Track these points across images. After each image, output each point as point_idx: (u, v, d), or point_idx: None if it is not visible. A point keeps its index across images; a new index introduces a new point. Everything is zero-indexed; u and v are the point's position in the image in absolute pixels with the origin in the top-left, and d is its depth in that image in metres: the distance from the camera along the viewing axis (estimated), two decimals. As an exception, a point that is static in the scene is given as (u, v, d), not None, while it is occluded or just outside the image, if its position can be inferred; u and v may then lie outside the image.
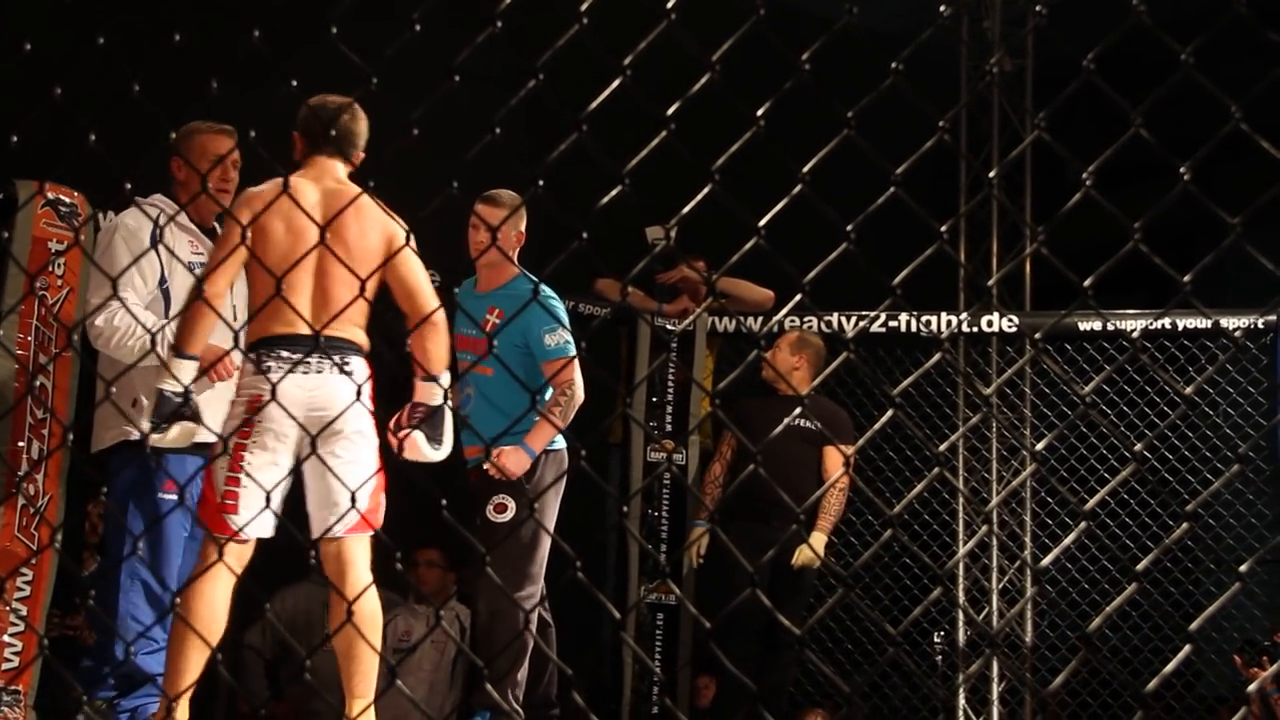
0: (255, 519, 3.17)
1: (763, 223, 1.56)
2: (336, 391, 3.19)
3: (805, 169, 1.56)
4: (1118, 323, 5.73)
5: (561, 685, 4.42)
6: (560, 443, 4.27)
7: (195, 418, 3.24)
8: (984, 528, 6.42)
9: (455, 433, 3.49)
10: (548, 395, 4.20)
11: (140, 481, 3.74)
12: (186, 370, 3.20)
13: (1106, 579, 5.69)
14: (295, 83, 3.33)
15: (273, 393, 3.13)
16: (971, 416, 6.29)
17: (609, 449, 5.89)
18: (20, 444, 4.17)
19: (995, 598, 6.47)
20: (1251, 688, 4.95)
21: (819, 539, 5.25)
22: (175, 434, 3.23)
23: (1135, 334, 5.58)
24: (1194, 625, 1.53)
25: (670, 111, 1.56)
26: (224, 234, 3.33)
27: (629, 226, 5.32)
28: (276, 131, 3.43)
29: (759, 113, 1.57)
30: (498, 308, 4.30)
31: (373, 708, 3.24)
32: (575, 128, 1.56)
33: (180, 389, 3.21)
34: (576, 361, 4.14)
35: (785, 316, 5.69)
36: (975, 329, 6.01)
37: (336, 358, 3.22)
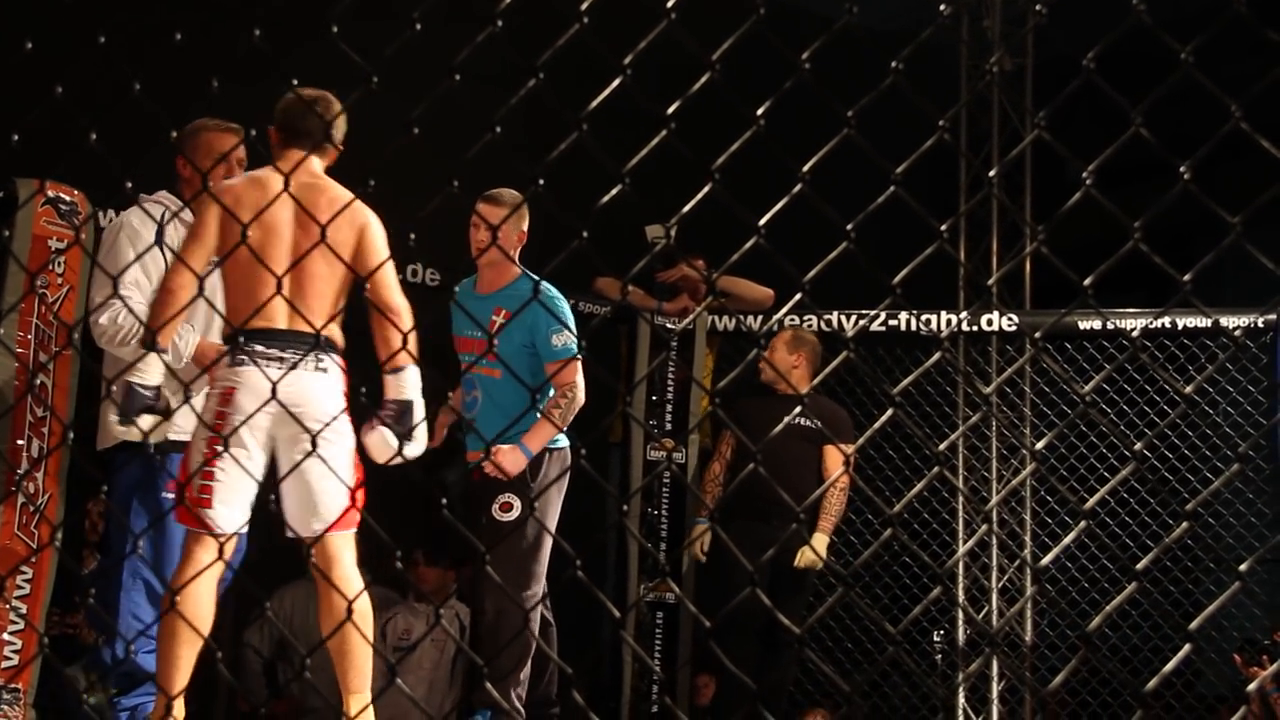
0: (230, 513, 3.18)
1: (763, 222, 1.56)
2: (311, 389, 3.18)
3: (805, 168, 1.56)
4: (1118, 322, 5.73)
5: (561, 684, 4.42)
6: (563, 441, 4.27)
7: (166, 412, 3.23)
8: (984, 527, 6.42)
9: (461, 436, 3.48)
10: (549, 395, 4.20)
11: (143, 480, 3.74)
12: (155, 363, 3.20)
13: (1106, 578, 5.69)
14: (295, 81, 3.34)
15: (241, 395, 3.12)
16: (971, 415, 6.28)
17: (609, 448, 5.89)
18: (20, 442, 4.17)
19: (995, 597, 6.47)
20: (1251, 687, 4.96)
21: (821, 540, 5.26)
22: (145, 427, 3.22)
23: (1135, 333, 5.58)
24: (1194, 624, 1.53)
25: (670, 111, 1.56)
26: (192, 227, 3.31)
27: (629, 225, 5.32)
28: (277, 130, 3.44)
29: (759, 112, 1.57)
30: (503, 308, 4.29)
31: (369, 699, 3.24)
32: (575, 127, 1.56)
33: (149, 382, 3.20)
34: (580, 363, 4.14)
35: (785, 315, 5.69)
36: (975, 328, 6.01)
37: (312, 353, 3.21)
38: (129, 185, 2.00)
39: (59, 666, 3.64)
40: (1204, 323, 5.52)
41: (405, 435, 3.29)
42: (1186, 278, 1.50)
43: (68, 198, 4.32)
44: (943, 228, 1.56)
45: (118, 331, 3.69)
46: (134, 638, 3.60)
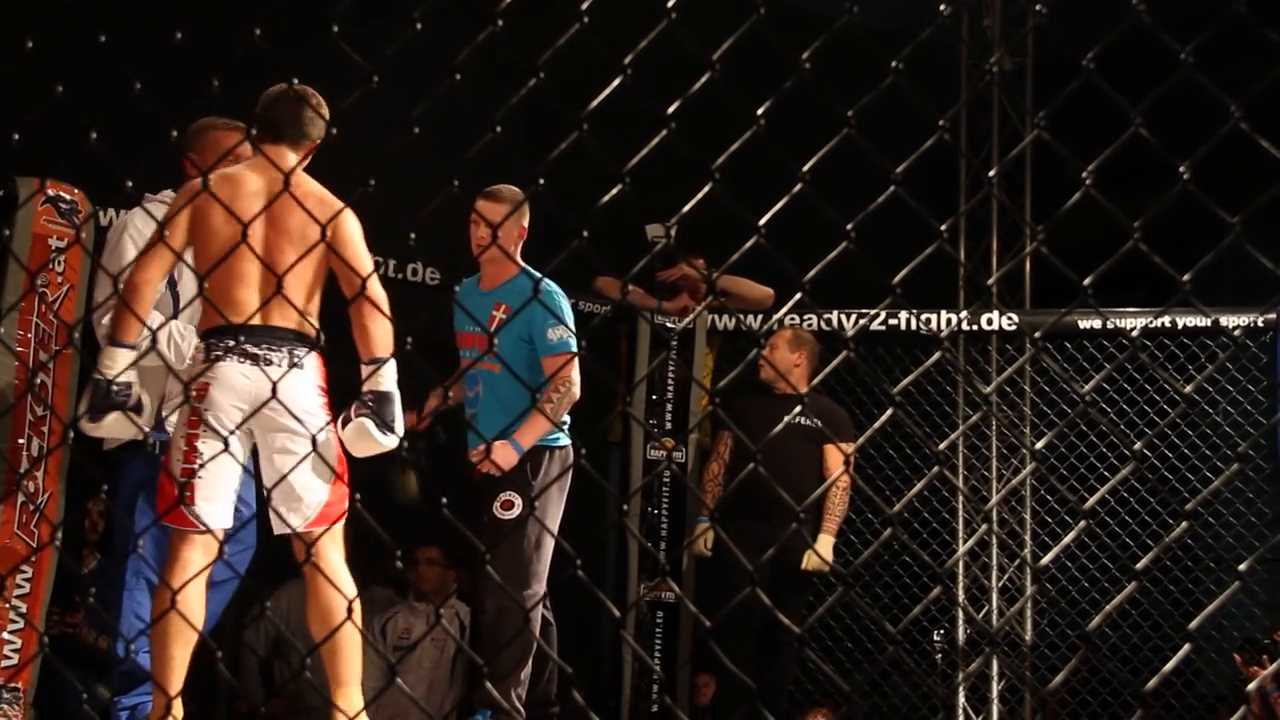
0: (214, 509, 3.18)
1: (763, 221, 1.56)
2: (287, 385, 3.16)
3: (805, 168, 1.56)
4: (1117, 321, 5.73)
5: (561, 683, 4.42)
6: (565, 440, 4.27)
7: (135, 407, 3.22)
8: (984, 526, 6.42)
9: (462, 432, 3.47)
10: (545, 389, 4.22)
11: (149, 479, 3.74)
12: (122, 358, 3.19)
13: (1106, 577, 5.70)
14: (296, 80, 3.33)
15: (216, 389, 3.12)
16: (971, 415, 6.28)
17: (609, 447, 5.89)
18: (20, 441, 4.17)
19: (995, 596, 6.47)
20: (1251, 686, 4.96)
21: (826, 541, 5.26)
22: (110, 423, 3.21)
23: (1135, 332, 5.57)
24: (1193, 624, 1.53)
25: (671, 110, 1.56)
26: (164, 224, 3.32)
27: (629, 224, 5.32)
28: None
29: (759, 112, 1.57)
30: (504, 304, 4.31)
31: (359, 692, 3.23)
32: (576, 126, 1.56)
33: (115, 378, 3.18)
34: (576, 358, 4.15)
35: (785, 314, 5.70)
36: (975, 327, 6.00)
37: (286, 348, 3.21)
38: (129, 184, 2.00)
39: (59, 666, 3.64)
40: (1204, 322, 5.52)
41: (384, 426, 3.29)
42: (1186, 277, 1.50)
43: (68, 196, 4.32)
44: (943, 227, 1.56)
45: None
46: (134, 637, 3.60)
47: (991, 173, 7.22)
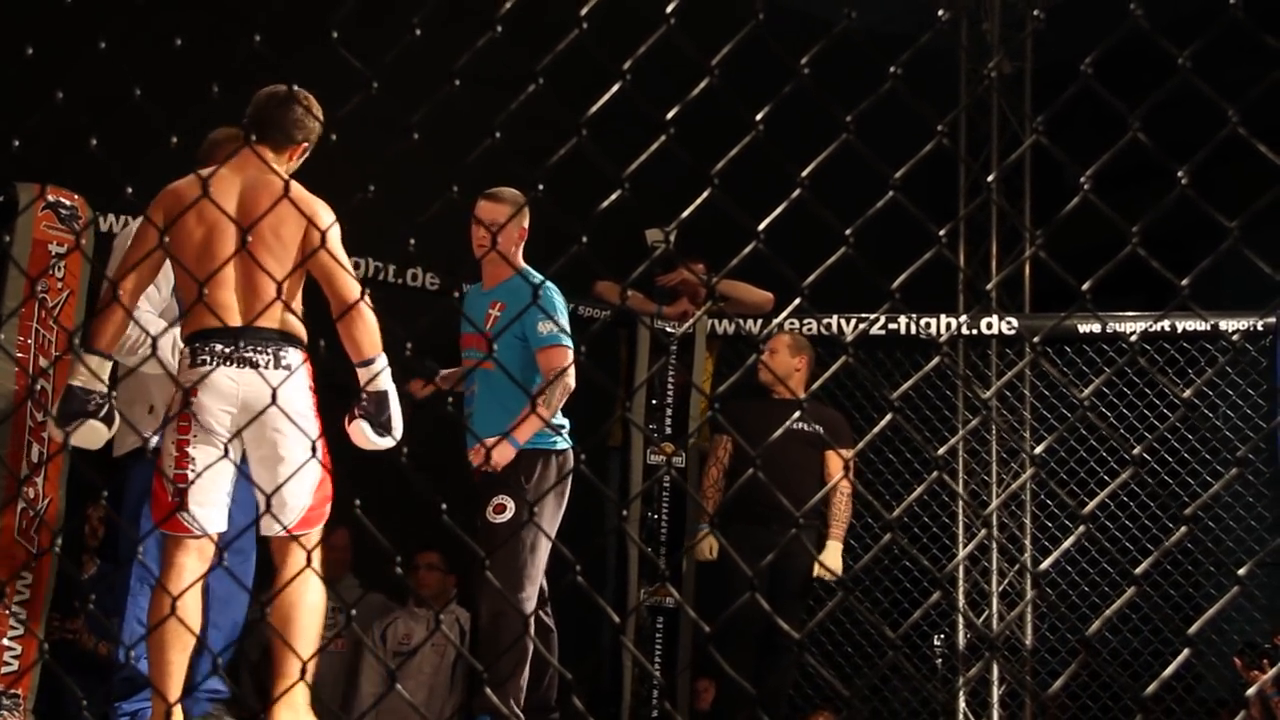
0: (207, 513, 3.17)
1: (762, 226, 1.56)
2: (273, 386, 3.16)
3: (804, 173, 1.57)
4: (1117, 325, 5.73)
5: (561, 689, 4.42)
6: (563, 444, 4.27)
7: (106, 418, 3.21)
8: (984, 531, 6.42)
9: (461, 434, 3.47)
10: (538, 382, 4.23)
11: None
12: (94, 366, 3.18)
13: (1106, 582, 5.69)
14: (296, 86, 3.34)
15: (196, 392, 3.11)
16: (971, 419, 6.28)
17: (608, 452, 5.89)
18: (20, 447, 4.17)
19: (995, 601, 6.47)
20: (1251, 690, 4.95)
21: (835, 548, 5.26)
22: (84, 433, 3.20)
23: (1134, 337, 5.58)
24: (1193, 628, 1.53)
25: (670, 116, 1.57)
26: (138, 232, 3.32)
27: (629, 229, 5.32)
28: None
29: (758, 117, 1.57)
30: (499, 301, 4.34)
31: (303, 687, 3.19)
32: (575, 132, 1.57)
33: (87, 386, 3.18)
34: (570, 350, 4.16)
35: (785, 319, 5.70)
36: (974, 332, 6.01)
37: (272, 349, 3.20)
38: (129, 190, 2.00)
39: (59, 672, 3.64)
40: (1203, 326, 5.52)
41: (380, 427, 3.30)
42: (1185, 281, 1.50)
43: (68, 202, 4.32)
44: (941, 232, 1.56)
45: (125, 340, 3.69)
46: (134, 643, 3.60)
47: (990, 177, 7.22)
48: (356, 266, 4.79)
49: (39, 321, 4.24)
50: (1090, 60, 1.56)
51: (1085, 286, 1.53)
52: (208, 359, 3.17)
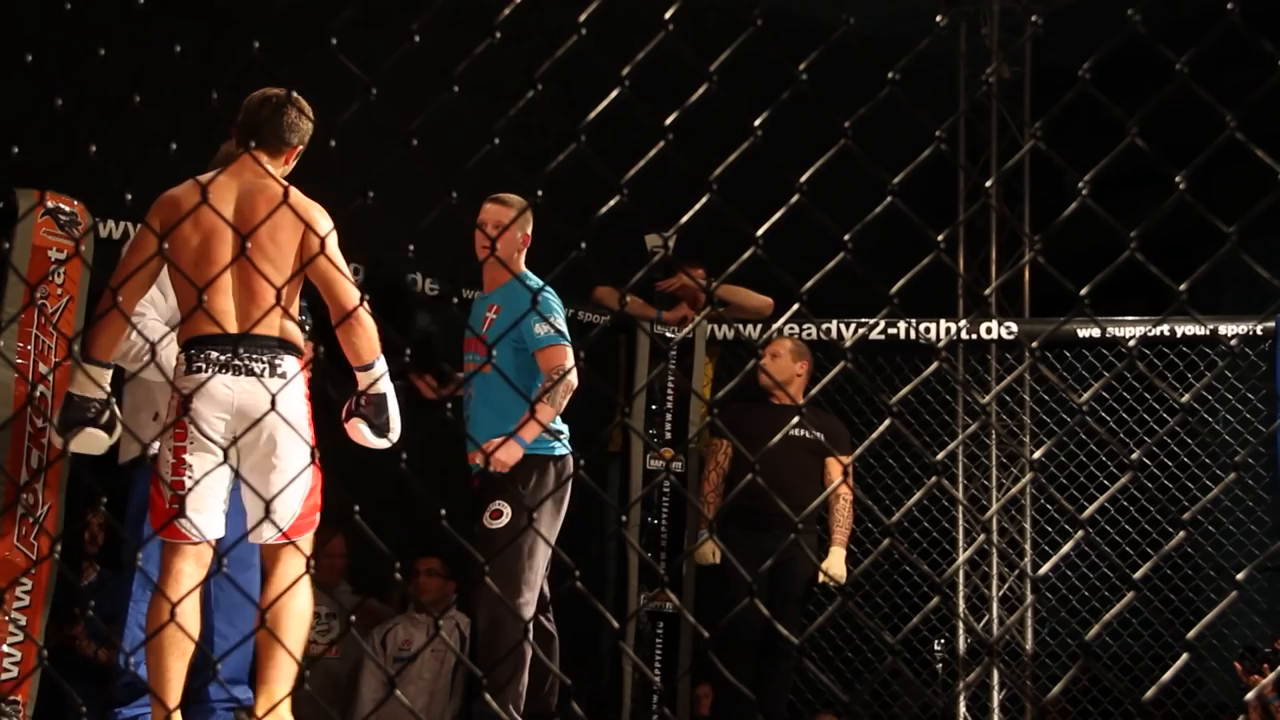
0: (204, 519, 3.17)
1: (761, 231, 1.56)
2: (269, 395, 3.15)
3: (803, 178, 1.57)
4: (1116, 330, 5.73)
5: (562, 695, 4.42)
6: (563, 449, 4.27)
7: (107, 425, 3.21)
8: (983, 536, 6.42)
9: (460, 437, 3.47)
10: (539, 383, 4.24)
11: None
12: (93, 374, 3.18)
13: (1106, 587, 5.69)
14: (294, 92, 3.34)
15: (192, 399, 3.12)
16: (970, 424, 6.28)
17: (608, 458, 5.89)
18: (20, 454, 4.17)
19: (995, 606, 6.46)
20: (1250, 695, 4.95)
21: (839, 554, 5.25)
22: (84, 439, 3.21)
23: (1133, 341, 5.58)
24: (1193, 633, 1.53)
25: (669, 121, 1.57)
26: (135, 240, 3.32)
27: (628, 234, 5.32)
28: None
29: (757, 122, 1.57)
30: (497, 304, 4.36)
31: (285, 693, 3.17)
32: (574, 138, 1.57)
33: (86, 394, 3.18)
34: (569, 349, 4.17)
35: (784, 324, 5.70)
36: (974, 336, 6.01)
37: (269, 357, 3.20)
38: (129, 196, 2.00)
39: (58, 678, 3.63)
40: (1202, 331, 5.52)
41: (377, 429, 3.32)
42: (1184, 286, 1.50)
43: (67, 208, 4.32)
44: (940, 237, 1.56)
45: (130, 347, 3.70)
46: (134, 649, 3.60)
47: (989, 182, 7.22)
48: (356, 273, 4.80)
49: (38, 328, 4.24)
50: (1088, 65, 1.57)
51: (1084, 291, 1.53)
52: (203, 365, 3.16)
